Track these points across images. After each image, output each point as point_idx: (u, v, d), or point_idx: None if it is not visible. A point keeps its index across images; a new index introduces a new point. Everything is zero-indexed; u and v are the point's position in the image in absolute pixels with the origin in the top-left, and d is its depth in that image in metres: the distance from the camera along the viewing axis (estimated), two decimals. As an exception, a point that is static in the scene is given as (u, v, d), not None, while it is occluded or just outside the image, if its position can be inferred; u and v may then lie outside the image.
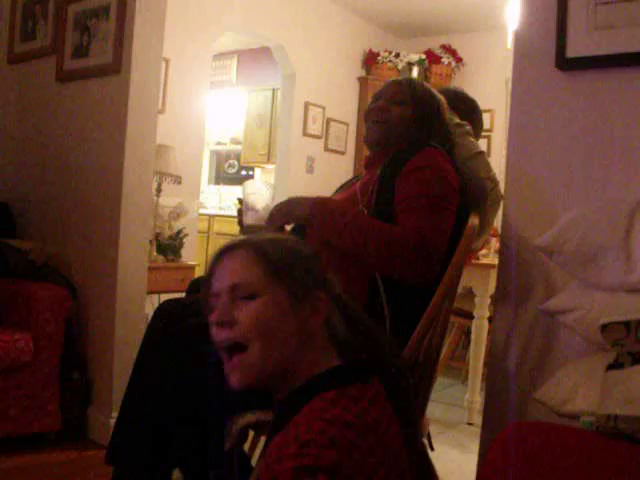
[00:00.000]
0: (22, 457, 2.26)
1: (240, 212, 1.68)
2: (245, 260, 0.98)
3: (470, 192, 1.69)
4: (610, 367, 1.17)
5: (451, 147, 1.74)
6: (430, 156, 1.59)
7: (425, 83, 1.82)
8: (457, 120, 1.84)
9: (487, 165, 1.78)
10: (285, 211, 1.58)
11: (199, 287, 1.91)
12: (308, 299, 0.98)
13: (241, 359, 0.95)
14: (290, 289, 0.97)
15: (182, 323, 1.63)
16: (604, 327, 1.21)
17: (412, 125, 1.69)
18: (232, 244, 1.01)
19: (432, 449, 1.44)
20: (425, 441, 1.46)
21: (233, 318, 0.95)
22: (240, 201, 1.69)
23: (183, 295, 2.03)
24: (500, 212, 1.72)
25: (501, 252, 1.69)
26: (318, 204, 1.55)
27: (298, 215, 1.56)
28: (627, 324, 1.17)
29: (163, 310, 1.73)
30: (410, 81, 1.78)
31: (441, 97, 1.78)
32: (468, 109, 2.01)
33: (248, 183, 1.68)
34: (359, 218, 1.50)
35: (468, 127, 1.84)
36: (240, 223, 1.69)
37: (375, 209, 1.55)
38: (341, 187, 1.84)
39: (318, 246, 1.62)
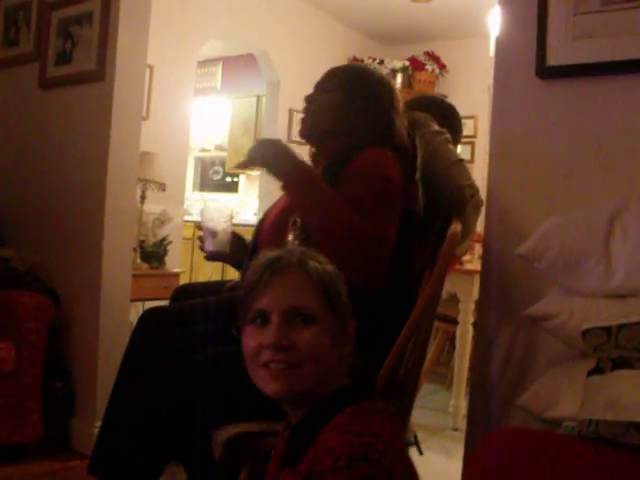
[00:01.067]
0: (3, 468, 2.23)
1: (201, 239, 1.69)
2: (305, 284, 0.99)
3: (449, 199, 1.70)
4: (591, 372, 1.18)
5: (412, 143, 1.69)
6: (372, 158, 1.52)
7: (371, 68, 1.73)
8: (436, 127, 1.84)
9: (466, 172, 1.79)
10: (266, 158, 1.48)
11: (183, 295, 1.92)
12: (345, 328, 1.02)
13: (292, 372, 0.97)
14: (338, 318, 1.00)
15: (166, 331, 1.63)
16: (585, 333, 1.23)
17: (343, 110, 1.61)
18: (286, 264, 1.00)
19: (421, 453, 1.44)
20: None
21: (292, 343, 0.96)
22: (199, 228, 1.69)
23: (167, 303, 2.01)
24: (482, 219, 1.74)
25: (483, 259, 1.70)
26: (302, 168, 1.47)
27: (277, 169, 1.46)
28: (607, 329, 1.18)
29: (147, 318, 1.72)
30: (346, 67, 1.71)
31: (392, 84, 1.71)
32: (445, 114, 2.00)
33: (205, 210, 1.66)
34: (336, 199, 1.41)
35: (447, 135, 1.84)
36: (202, 249, 1.69)
37: None
38: None
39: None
